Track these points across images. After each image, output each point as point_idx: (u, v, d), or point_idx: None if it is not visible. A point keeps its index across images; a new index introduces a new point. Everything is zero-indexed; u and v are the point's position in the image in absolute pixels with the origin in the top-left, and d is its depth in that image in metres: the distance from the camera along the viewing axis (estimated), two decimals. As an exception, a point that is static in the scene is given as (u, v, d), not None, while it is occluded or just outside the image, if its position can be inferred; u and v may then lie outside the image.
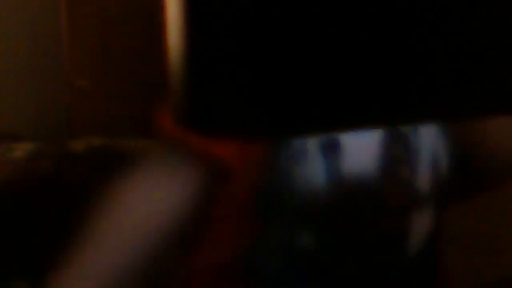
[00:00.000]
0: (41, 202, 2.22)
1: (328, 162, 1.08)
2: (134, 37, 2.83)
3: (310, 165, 1.08)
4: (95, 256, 1.11)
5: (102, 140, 2.53)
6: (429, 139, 1.15)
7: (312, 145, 1.09)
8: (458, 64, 0.48)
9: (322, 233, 1.11)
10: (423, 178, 1.13)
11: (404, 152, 1.12)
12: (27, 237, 2.16)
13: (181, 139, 1.08)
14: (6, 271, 2.19)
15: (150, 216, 1.12)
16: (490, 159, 1.21)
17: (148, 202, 1.12)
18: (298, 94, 0.43)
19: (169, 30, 0.45)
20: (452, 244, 1.99)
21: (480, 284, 2.12)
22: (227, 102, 0.42)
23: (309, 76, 0.43)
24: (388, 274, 1.16)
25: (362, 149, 1.11)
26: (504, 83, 0.48)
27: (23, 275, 2.20)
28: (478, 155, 1.20)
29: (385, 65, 0.46)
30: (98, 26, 2.77)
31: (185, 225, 1.12)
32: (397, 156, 1.12)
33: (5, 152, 2.41)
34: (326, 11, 0.44)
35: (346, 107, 0.46)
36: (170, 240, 1.12)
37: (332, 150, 1.09)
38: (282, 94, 0.43)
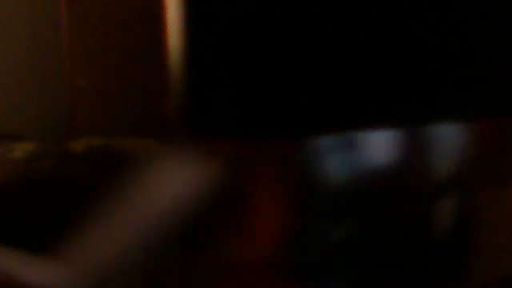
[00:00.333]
0: (41, 201, 2.22)
1: (349, 157, 1.11)
2: (134, 37, 2.83)
3: (333, 161, 1.10)
4: (113, 226, 1.17)
5: (102, 140, 2.53)
6: (448, 128, 1.17)
7: (331, 141, 1.11)
8: (464, 66, 0.48)
9: (352, 224, 1.13)
10: (445, 164, 1.15)
11: (424, 141, 1.14)
12: (27, 237, 2.16)
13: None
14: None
15: (164, 198, 1.17)
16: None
17: (162, 187, 1.17)
18: (300, 95, 0.43)
19: (169, 30, 0.45)
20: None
21: (480, 284, 2.12)
22: (228, 103, 0.42)
23: (311, 79, 0.43)
24: (418, 258, 1.18)
25: (381, 141, 1.13)
26: (507, 84, 0.48)
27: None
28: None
29: (392, 67, 0.46)
30: (98, 26, 2.77)
31: (199, 208, 1.16)
32: (416, 145, 1.14)
33: (5, 152, 2.41)
34: (337, 14, 0.44)
35: (348, 108, 0.46)
36: (183, 220, 1.16)
37: (351, 145, 1.11)
38: (286, 95, 0.43)
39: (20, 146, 2.61)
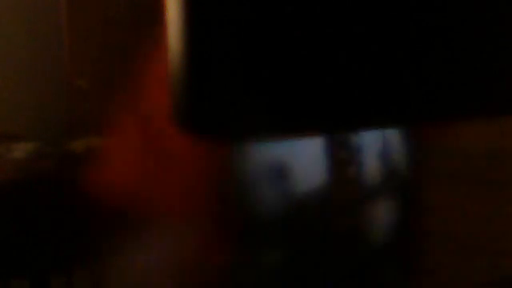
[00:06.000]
0: (41, 201, 2.22)
1: (278, 182, 1.11)
2: (134, 37, 2.83)
3: (262, 187, 1.10)
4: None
5: (102, 140, 2.53)
6: (373, 136, 1.17)
7: (261, 169, 1.11)
8: (456, 65, 0.48)
9: (285, 248, 1.14)
10: (372, 173, 1.15)
11: (349, 154, 1.14)
12: (27, 236, 2.16)
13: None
14: (6, 270, 2.19)
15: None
16: None
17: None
18: (297, 96, 0.43)
19: (170, 30, 0.45)
20: (452, 244, 1.99)
21: (480, 284, 2.12)
22: (227, 104, 0.42)
23: (309, 82, 0.43)
24: (357, 268, 1.18)
25: (309, 161, 1.13)
26: (503, 84, 0.48)
27: (23, 274, 2.20)
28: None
29: (381, 66, 0.46)
30: (98, 26, 2.77)
31: None
32: (342, 159, 1.14)
33: (5, 152, 2.41)
34: (324, 15, 0.44)
35: (344, 108, 0.46)
36: None
37: (278, 172, 1.11)
38: (285, 95, 0.43)
39: (20, 146, 2.61)
